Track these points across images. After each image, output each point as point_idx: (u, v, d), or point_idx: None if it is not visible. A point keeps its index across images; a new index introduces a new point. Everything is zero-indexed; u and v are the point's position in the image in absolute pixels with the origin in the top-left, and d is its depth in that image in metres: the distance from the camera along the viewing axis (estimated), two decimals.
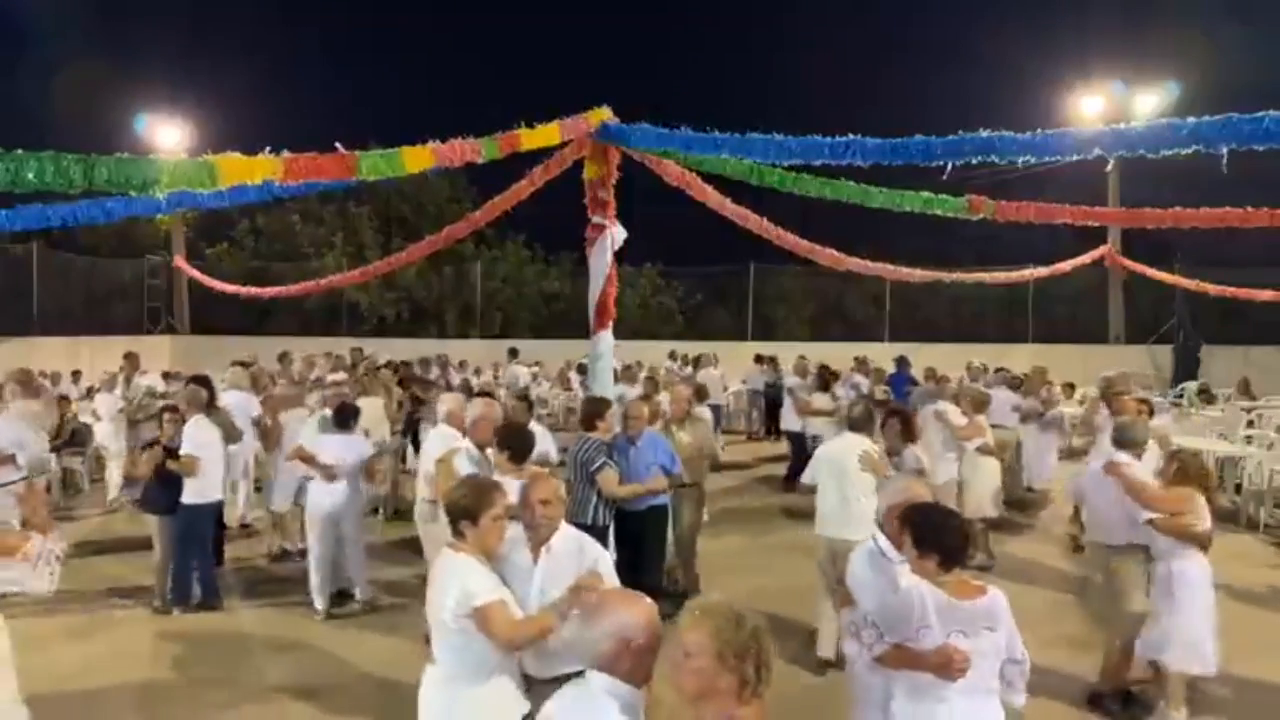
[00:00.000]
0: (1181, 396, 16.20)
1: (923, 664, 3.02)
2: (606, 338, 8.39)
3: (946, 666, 2.97)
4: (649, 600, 2.49)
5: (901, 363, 13.83)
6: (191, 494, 6.87)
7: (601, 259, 8.19)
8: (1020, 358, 16.14)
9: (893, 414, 6.27)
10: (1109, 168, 19.79)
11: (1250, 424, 12.11)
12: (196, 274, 19.75)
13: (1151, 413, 7.64)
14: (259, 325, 23.01)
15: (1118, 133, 4.43)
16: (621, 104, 7.97)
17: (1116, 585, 5.26)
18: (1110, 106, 19.84)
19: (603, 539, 5.79)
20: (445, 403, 6.43)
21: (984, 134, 4.57)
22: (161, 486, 6.87)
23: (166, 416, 7.23)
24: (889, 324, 22.91)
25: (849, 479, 5.51)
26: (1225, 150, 4.21)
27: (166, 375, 14.89)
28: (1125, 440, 5.40)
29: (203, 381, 7.52)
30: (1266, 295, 14.48)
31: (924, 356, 15.56)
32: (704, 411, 8.45)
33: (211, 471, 7.02)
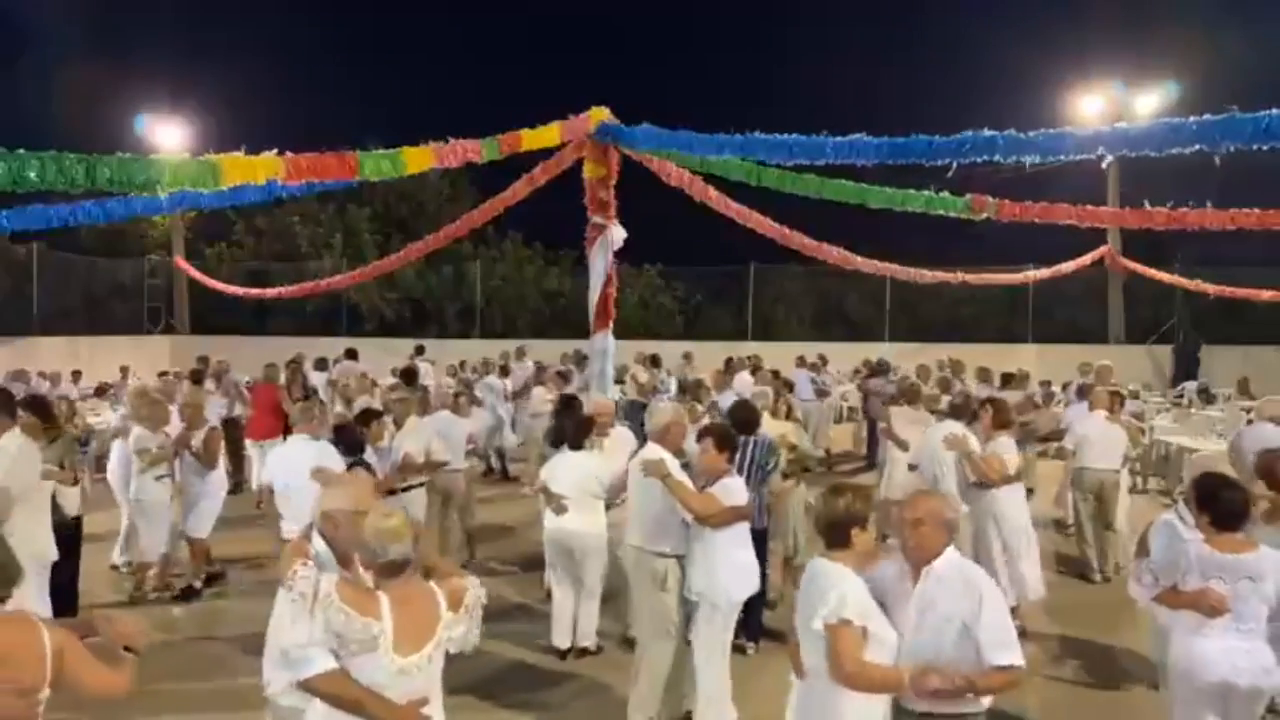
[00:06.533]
0: (1181, 396, 16.22)
1: (1184, 602, 3.73)
2: (606, 338, 8.41)
3: (1200, 604, 3.63)
4: None
5: (881, 364, 13.78)
6: None
7: (601, 259, 8.21)
8: (1020, 358, 16.14)
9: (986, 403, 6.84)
10: (1106, 164, 19.82)
11: (1250, 424, 12.12)
12: (196, 274, 19.77)
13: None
14: (259, 325, 23.01)
15: (1119, 132, 4.44)
16: (621, 104, 7.98)
17: None
18: (1110, 106, 19.83)
19: (763, 543, 5.79)
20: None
21: (986, 133, 4.57)
22: None
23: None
24: (889, 324, 22.91)
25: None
26: (1222, 151, 4.23)
27: (163, 375, 14.88)
28: None
29: (43, 400, 6.32)
30: (1266, 295, 14.50)
31: (924, 357, 15.56)
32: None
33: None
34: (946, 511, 3.14)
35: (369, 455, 6.35)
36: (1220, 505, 3.72)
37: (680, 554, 4.74)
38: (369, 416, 6.84)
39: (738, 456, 5.18)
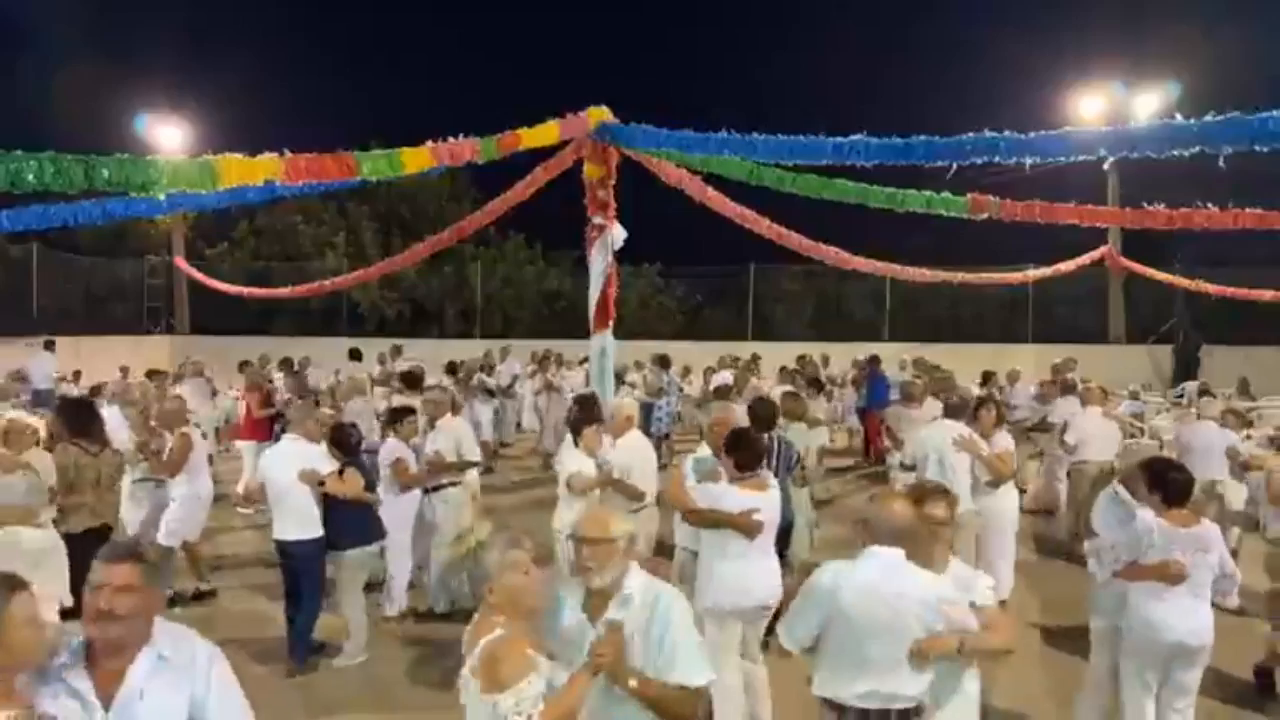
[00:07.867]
0: (1181, 396, 16.20)
1: (1149, 574, 4.13)
2: (606, 338, 8.40)
3: (1166, 575, 4.07)
4: None
5: (874, 361, 13.56)
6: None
7: (601, 259, 8.21)
8: (1020, 358, 16.12)
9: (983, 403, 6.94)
10: (1107, 165, 19.77)
11: (1249, 424, 12.11)
12: (196, 274, 19.73)
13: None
14: (259, 325, 22.98)
15: (1121, 133, 4.43)
16: (621, 104, 7.97)
17: None
18: (1110, 106, 19.81)
19: (787, 538, 5.78)
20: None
21: (988, 134, 4.56)
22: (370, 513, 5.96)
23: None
24: (889, 324, 22.90)
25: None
26: (1224, 152, 4.21)
27: (161, 374, 14.81)
28: None
29: (85, 406, 6.35)
30: (1267, 295, 14.47)
31: (926, 357, 15.57)
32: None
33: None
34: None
35: (403, 451, 6.54)
36: (1170, 484, 4.22)
37: (695, 550, 4.79)
38: (400, 414, 6.87)
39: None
